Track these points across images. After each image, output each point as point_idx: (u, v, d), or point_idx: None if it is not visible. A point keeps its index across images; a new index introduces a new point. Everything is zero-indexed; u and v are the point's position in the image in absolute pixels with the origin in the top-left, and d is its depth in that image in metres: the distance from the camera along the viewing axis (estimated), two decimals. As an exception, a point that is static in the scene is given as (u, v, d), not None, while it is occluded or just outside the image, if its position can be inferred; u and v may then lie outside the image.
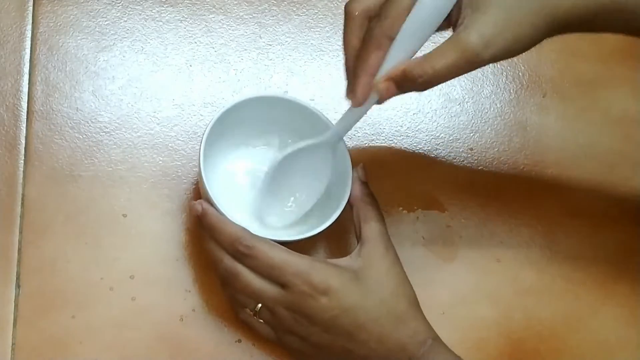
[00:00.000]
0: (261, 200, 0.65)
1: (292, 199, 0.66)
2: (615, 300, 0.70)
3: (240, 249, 0.59)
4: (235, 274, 0.59)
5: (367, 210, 0.62)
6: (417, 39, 0.56)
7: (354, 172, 0.63)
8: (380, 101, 0.58)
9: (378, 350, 0.58)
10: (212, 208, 0.60)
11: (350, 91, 0.58)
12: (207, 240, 0.61)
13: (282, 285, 0.58)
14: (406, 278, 0.61)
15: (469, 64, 0.55)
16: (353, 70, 0.58)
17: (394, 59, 0.56)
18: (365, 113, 0.60)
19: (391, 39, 0.55)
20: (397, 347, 0.58)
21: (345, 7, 0.58)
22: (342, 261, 0.61)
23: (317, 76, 0.73)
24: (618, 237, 0.72)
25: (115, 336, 0.64)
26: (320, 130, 0.63)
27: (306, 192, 0.65)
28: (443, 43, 0.55)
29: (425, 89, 0.56)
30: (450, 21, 0.57)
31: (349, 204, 0.63)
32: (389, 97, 0.57)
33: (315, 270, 0.58)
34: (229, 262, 0.59)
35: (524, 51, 0.56)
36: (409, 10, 0.55)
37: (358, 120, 0.61)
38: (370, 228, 0.62)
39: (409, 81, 0.55)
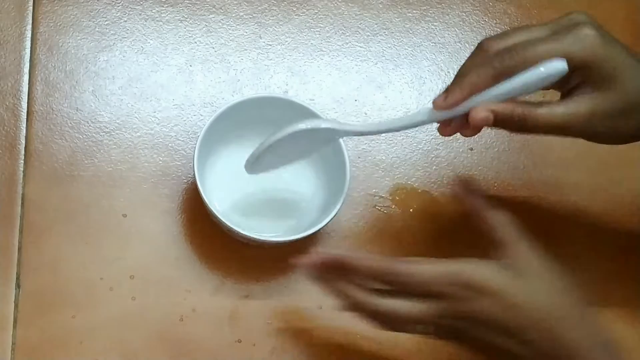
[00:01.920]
0: (252, 155, 0.63)
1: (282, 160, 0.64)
2: (615, 300, 0.70)
3: (390, 278, 0.56)
4: (394, 311, 0.56)
5: (497, 215, 0.60)
6: (519, 91, 0.56)
7: (467, 184, 0.62)
8: (470, 129, 0.57)
9: (548, 350, 0.55)
10: (330, 252, 0.59)
11: (444, 92, 0.57)
12: (341, 288, 0.58)
13: (440, 297, 0.56)
14: (566, 278, 0.58)
15: (567, 130, 0.56)
16: (458, 77, 0.57)
17: (495, 95, 0.56)
18: (409, 127, 0.60)
19: (506, 77, 0.55)
20: (569, 347, 0.55)
21: (481, 42, 0.58)
22: (491, 262, 0.58)
23: (317, 76, 0.73)
24: (618, 237, 0.72)
25: (115, 336, 0.64)
26: (320, 130, 0.63)
27: (297, 155, 0.64)
28: (553, 102, 0.56)
29: (511, 131, 0.58)
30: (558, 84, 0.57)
31: (469, 214, 0.62)
32: (481, 124, 0.56)
33: (469, 272, 0.56)
34: (381, 303, 0.57)
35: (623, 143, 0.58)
36: (536, 61, 0.55)
37: (386, 132, 0.62)
38: (509, 232, 0.59)
39: (509, 118, 0.56)
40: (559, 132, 0.57)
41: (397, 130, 0.60)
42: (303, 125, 0.60)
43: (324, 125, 0.61)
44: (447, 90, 0.57)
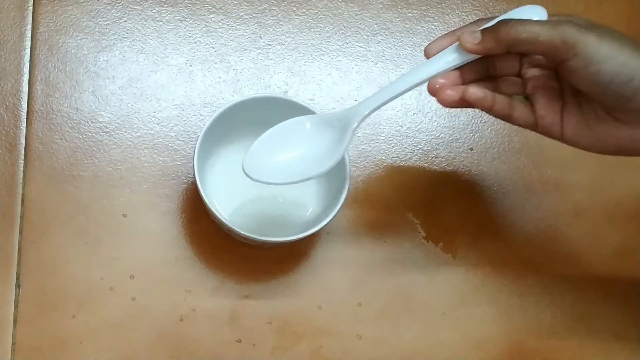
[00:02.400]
0: (254, 145, 0.60)
1: (284, 160, 0.61)
2: (615, 300, 0.70)
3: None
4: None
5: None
6: None
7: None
8: (462, 44, 0.56)
9: None
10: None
11: (474, 32, 0.56)
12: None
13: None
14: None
15: (560, 32, 0.54)
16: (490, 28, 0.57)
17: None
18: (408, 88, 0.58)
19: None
20: None
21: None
22: None
23: (317, 76, 0.73)
24: (618, 237, 0.72)
25: (115, 336, 0.64)
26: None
27: (303, 163, 0.60)
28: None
29: (505, 45, 0.55)
30: None
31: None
32: (471, 41, 0.56)
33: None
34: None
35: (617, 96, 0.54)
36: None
37: (392, 98, 0.58)
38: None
39: (497, 28, 0.55)
40: (555, 44, 0.54)
41: (407, 89, 0.58)
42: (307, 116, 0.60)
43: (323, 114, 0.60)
44: (481, 33, 0.56)
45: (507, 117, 0.59)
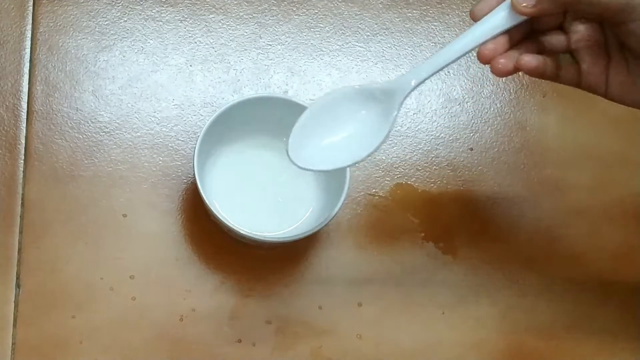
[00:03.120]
0: (297, 129, 0.56)
1: (331, 143, 0.56)
2: (615, 300, 0.70)
3: None
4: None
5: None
6: None
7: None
8: (515, 7, 0.53)
9: None
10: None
11: (478, 1, 0.54)
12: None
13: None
14: None
15: (613, 9, 0.52)
16: None
17: None
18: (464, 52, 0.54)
19: None
20: None
21: None
22: None
23: (317, 76, 0.73)
24: (618, 237, 0.72)
25: (115, 336, 0.64)
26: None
27: (350, 144, 0.56)
28: None
29: (560, 5, 0.53)
30: None
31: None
32: (525, 3, 0.52)
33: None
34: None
35: None
36: None
37: (443, 66, 0.54)
38: None
39: None
40: (597, 8, 0.52)
41: (456, 58, 0.55)
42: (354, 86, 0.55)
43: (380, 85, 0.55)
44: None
45: (553, 78, 0.57)
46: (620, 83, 0.56)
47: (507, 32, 0.55)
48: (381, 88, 0.55)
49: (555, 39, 0.56)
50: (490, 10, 0.54)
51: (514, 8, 0.53)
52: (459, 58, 0.54)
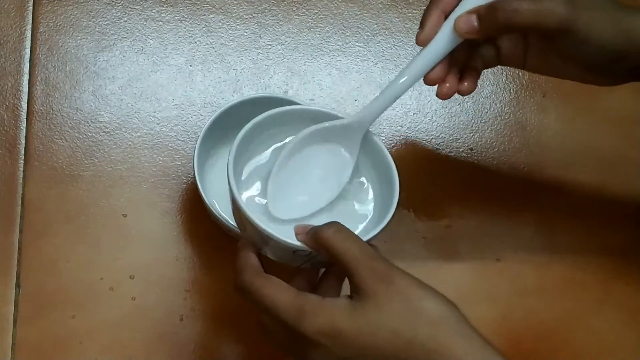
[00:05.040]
0: (271, 184, 0.57)
1: (305, 189, 0.58)
2: (615, 300, 0.70)
3: (237, 282, 0.54)
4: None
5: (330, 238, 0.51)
6: None
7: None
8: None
9: None
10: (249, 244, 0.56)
11: (420, 27, 0.56)
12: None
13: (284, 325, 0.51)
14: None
15: (551, 14, 0.53)
16: (426, 9, 0.56)
17: (471, 1, 0.55)
18: (414, 81, 0.56)
19: None
20: None
21: None
22: (337, 301, 0.50)
23: (317, 76, 0.73)
24: (618, 237, 0.72)
25: (115, 336, 0.64)
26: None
27: (322, 185, 0.58)
28: None
29: (500, 28, 0.55)
30: None
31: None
32: (468, 28, 0.54)
33: (309, 318, 0.49)
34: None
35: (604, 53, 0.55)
36: None
37: (400, 95, 0.56)
38: (349, 255, 0.50)
39: (492, 12, 0.53)
40: (546, 25, 0.54)
41: (403, 92, 0.56)
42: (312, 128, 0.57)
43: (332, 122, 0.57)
44: (421, 23, 0.56)
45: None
46: (537, 63, 0.59)
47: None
48: (342, 125, 0.57)
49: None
50: (435, 31, 0.56)
51: (458, 32, 0.55)
52: (411, 86, 0.56)
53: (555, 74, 0.60)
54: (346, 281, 0.52)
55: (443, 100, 0.70)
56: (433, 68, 0.56)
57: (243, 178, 0.58)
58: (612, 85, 0.59)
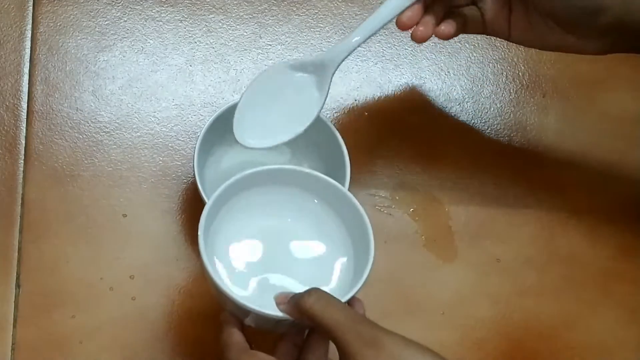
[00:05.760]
0: (238, 111, 0.60)
1: (272, 119, 0.60)
2: (615, 300, 0.70)
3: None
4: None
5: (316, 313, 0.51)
6: None
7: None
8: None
9: None
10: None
11: None
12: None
13: None
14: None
15: None
16: None
17: None
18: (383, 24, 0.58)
19: None
20: None
21: None
22: None
23: (317, 76, 0.73)
24: (618, 237, 0.72)
25: (115, 336, 0.64)
26: (320, 128, 0.63)
27: (290, 118, 0.60)
28: None
29: None
30: None
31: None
32: None
33: None
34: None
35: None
36: None
37: (367, 37, 0.58)
38: (337, 331, 0.50)
39: None
40: None
41: (380, 27, 0.58)
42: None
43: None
44: None
45: (461, 32, 0.61)
46: (522, 29, 0.60)
47: None
48: (313, 61, 0.59)
49: None
50: None
51: None
52: (383, 26, 0.58)
53: (540, 43, 0.61)
54: None
55: (442, 100, 0.70)
56: (404, 11, 0.57)
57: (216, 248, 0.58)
58: (598, 52, 0.60)
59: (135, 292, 0.65)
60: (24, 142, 0.68)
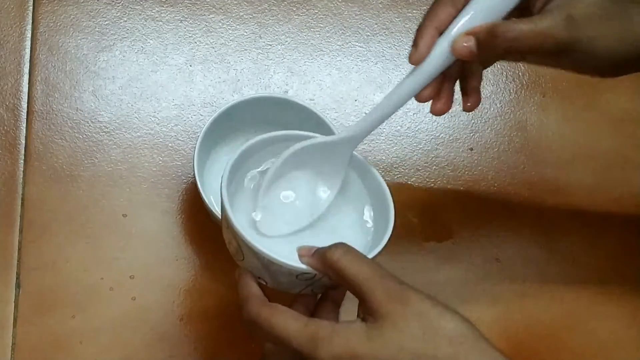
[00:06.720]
0: (256, 199, 0.56)
1: (290, 205, 0.57)
2: (615, 300, 0.70)
3: (244, 315, 0.52)
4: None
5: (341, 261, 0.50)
6: (487, 11, 0.53)
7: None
8: (457, 54, 0.53)
9: None
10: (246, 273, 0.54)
11: (413, 45, 0.54)
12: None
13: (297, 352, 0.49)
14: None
15: (553, 38, 0.52)
16: (419, 26, 0.54)
17: (468, 20, 0.53)
18: (407, 99, 0.55)
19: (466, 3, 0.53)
20: None
21: None
22: (351, 325, 0.49)
23: (317, 76, 0.73)
24: (618, 237, 0.72)
25: (115, 336, 0.64)
26: (322, 130, 0.63)
27: (308, 202, 0.57)
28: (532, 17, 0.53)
29: (499, 55, 0.54)
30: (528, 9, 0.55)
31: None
32: (466, 53, 0.52)
33: (321, 340, 0.48)
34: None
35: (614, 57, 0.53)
36: None
37: (391, 113, 0.55)
38: (362, 279, 0.49)
39: (492, 38, 0.52)
40: (548, 48, 0.52)
41: (394, 111, 0.56)
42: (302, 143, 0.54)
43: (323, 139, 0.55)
44: (414, 42, 0.54)
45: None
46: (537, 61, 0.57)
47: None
48: (332, 144, 0.55)
49: None
50: (429, 51, 0.54)
51: (455, 52, 0.53)
52: (402, 106, 0.55)
53: (555, 67, 0.59)
54: (345, 304, 0.53)
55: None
56: (426, 87, 0.55)
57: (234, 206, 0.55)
58: (614, 77, 0.58)
59: (135, 292, 0.65)
60: (24, 142, 0.68)
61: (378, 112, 0.55)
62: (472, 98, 0.58)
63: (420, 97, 0.56)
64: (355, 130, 0.55)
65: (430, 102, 0.56)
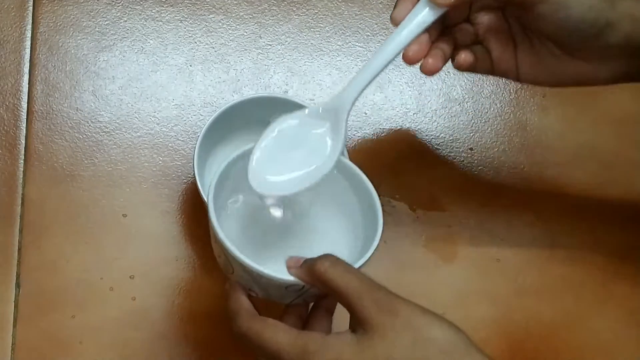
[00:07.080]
0: (253, 157, 0.56)
1: (286, 168, 0.56)
2: (615, 300, 0.70)
3: (234, 329, 0.52)
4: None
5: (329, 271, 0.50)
6: None
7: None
8: (438, 3, 0.54)
9: None
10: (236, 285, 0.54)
11: (394, 7, 0.54)
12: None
13: None
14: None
15: None
16: None
17: None
18: (388, 62, 0.55)
19: None
20: None
21: None
22: (341, 335, 0.49)
23: (317, 76, 0.73)
24: (618, 237, 0.72)
25: (115, 336, 0.64)
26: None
27: (304, 167, 0.56)
28: None
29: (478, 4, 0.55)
30: None
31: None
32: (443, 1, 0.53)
33: (313, 350, 0.48)
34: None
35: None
36: None
37: (376, 75, 0.56)
38: (350, 289, 0.49)
39: None
40: None
41: (380, 70, 0.56)
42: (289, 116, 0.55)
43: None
44: (395, 4, 0.55)
45: (471, 70, 0.60)
46: (530, 64, 0.58)
47: (427, 30, 0.56)
48: (324, 108, 0.56)
49: (465, 32, 0.59)
50: (408, 12, 0.55)
51: (435, 2, 0.54)
52: (388, 64, 0.56)
53: (550, 77, 0.59)
54: (338, 314, 0.52)
55: (442, 100, 0.70)
56: (409, 45, 0.56)
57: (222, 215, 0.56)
58: (612, 79, 0.58)
59: (135, 292, 0.65)
60: (24, 142, 0.68)
61: (365, 73, 0.57)
62: (463, 53, 0.59)
63: (407, 55, 0.56)
64: (344, 94, 0.56)
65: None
